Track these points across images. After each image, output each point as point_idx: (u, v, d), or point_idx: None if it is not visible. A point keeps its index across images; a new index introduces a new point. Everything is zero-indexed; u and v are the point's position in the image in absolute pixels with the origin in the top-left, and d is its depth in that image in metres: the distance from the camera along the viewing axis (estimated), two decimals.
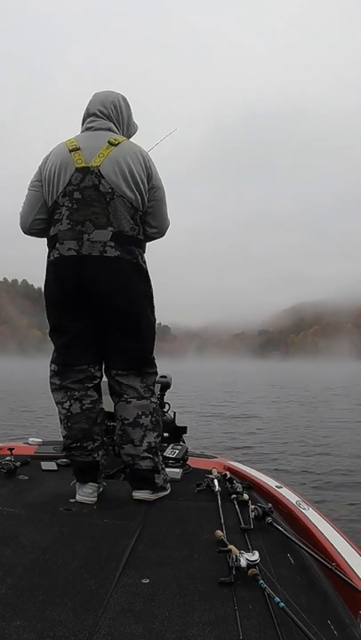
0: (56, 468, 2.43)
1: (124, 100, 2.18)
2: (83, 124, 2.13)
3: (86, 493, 2.02)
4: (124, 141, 2.04)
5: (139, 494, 2.06)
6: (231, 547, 1.42)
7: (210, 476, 2.23)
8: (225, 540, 1.53)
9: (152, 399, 2.09)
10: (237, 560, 1.35)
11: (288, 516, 1.88)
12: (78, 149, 1.99)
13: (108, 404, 2.16)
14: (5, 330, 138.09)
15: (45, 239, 2.07)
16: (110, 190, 1.95)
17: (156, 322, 2.16)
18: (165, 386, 2.95)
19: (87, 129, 2.10)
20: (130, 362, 2.05)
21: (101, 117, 2.09)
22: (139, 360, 2.06)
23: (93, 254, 1.92)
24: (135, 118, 2.23)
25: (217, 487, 2.11)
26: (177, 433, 2.82)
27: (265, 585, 1.25)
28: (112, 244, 1.93)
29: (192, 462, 2.61)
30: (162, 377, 2.98)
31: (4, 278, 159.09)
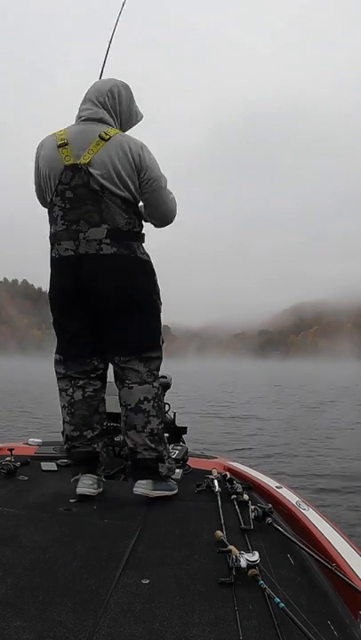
0: (56, 468, 2.43)
1: (125, 87, 2.10)
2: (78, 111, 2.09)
3: (86, 484, 2.02)
4: (115, 135, 1.96)
5: (139, 489, 2.01)
6: (231, 547, 1.42)
7: (210, 476, 2.23)
8: (225, 540, 1.53)
9: (154, 384, 2.07)
10: (237, 560, 1.35)
11: (288, 516, 1.88)
12: (66, 144, 1.95)
13: (110, 405, 2.16)
14: (5, 330, 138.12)
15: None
16: (100, 188, 1.92)
17: None
18: (165, 386, 2.95)
19: (79, 118, 2.04)
20: (132, 349, 2.04)
21: (95, 106, 2.03)
22: (141, 346, 2.05)
23: (90, 252, 1.93)
24: None
25: (217, 487, 2.10)
26: (177, 433, 2.83)
27: (265, 585, 1.25)
28: (108, 240, 1.93)
29: (192, 463, 2.61)
30: (162, 377, 2.97)
31: (5, 278, 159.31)
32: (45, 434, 5.87)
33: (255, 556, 1.36)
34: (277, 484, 2.20)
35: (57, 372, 2.13)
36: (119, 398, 2.09)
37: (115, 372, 2.10)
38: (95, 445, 2.07)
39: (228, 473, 2.38)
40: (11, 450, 2.42)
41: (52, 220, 2.01)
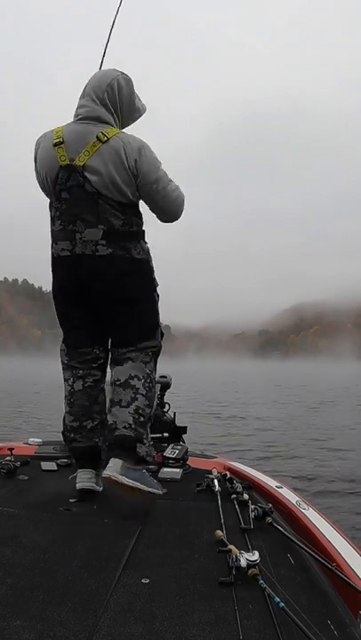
0: (56, 468, 2.43)
1: (126, 80, 2.01)
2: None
3: (84, 479, 2.02)
4: (113, 137, 1.90)
5: (107, 470, 1.84)
6: (231, 547, 1.42)
7: (210, 476, 2.23)
8: (225, 540, 1.53)
9: (148, 365, 2.02)
10: (237, 560, 1.35)
11: (288, 516, 1.88)
12: (62, 143, 1.91)
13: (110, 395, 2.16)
14: (5, 329, 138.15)
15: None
16: (95, 190, 1.90)
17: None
18: (165, 386, 2.96)
19: (76, 116, 1.98)
20: (130, 343, 2.02)
21: (94, 102, 1.96)
22: (138, 339, 2.02)
23: (87, 253, 1.93)
24: None
25: (217, 487, 2.10)
26: (177, 433, 2.83)
27: (265, 585, 1.26)
28: (103, 242, 1.92)
29: (192, 462, 2.61)
30: (162, 377, 2.98)
31: (5, 278, 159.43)
32: (45, 434, 5.87)
33: (255, 556, 1.36)
34: (277, 484, 2.20)
35: (61, 362, 2.15)
36: (111, 377, 2.04)
37: (111, 358, 2.08)
38: (97, 439, 2.07)
39: (228, 472, 2.38)
40: (11, 449, 2.42)
41: (51, 219, 2.01)
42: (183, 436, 2.86)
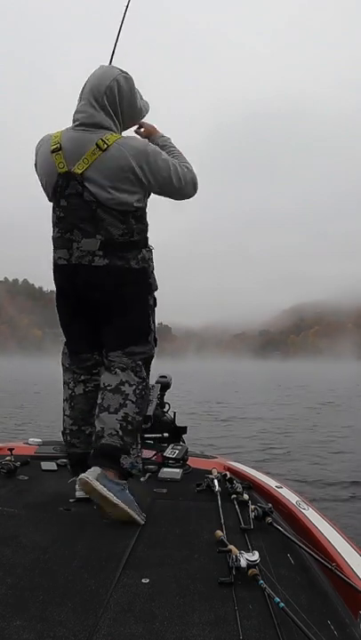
0: (56, 468, 2.43)
1: (127, 79, 1.93)
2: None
3: None
4: (113, 145, 1.84)
5: (83, 475, 1.70)
6: (231, 547, 1.42)
7: (210, 476, 2.23)
8: (225, 540, 1.53)
9: (139, 374, 1.94)
10: (237, 560, 1.35)
11: (288, 516, 1.88)
12: (59, 150, 1.87)
13: None
14: (6, 329, 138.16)
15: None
16: (94, 200, 1.85)
17: (157, 323, 2.13)
18: (165, 386, 2.96)
19: (74, 122, 1.93)
20: (119, 346, 1.97)
21: (92, 107, 1.89)
22: (127, 343, 1.97)
23: (83, 263, 1.89)
24: None
25: (217, 487, 2.10)
26: (177, 433, 2.83)
27: (265, 585, 1.26)
28: (100, 252, 1.87)
29: (192, 462, 2.61)
30: (162, 377, 2.98)
31: (5, 278, 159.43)
32: (45, 434, 5.87)
33: (255, 556, 1.36)
34: (277, 484, 2.20)
35: (62, 365, 2.16)
36: (102, 384, 1.96)
37: (104, 366, 2.03)
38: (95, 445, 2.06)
39: (227, 472, 2.38)
40: (11, 449, 2.42)
41: (52, 224, 1.99)
42: (183, 436, 2.87)
